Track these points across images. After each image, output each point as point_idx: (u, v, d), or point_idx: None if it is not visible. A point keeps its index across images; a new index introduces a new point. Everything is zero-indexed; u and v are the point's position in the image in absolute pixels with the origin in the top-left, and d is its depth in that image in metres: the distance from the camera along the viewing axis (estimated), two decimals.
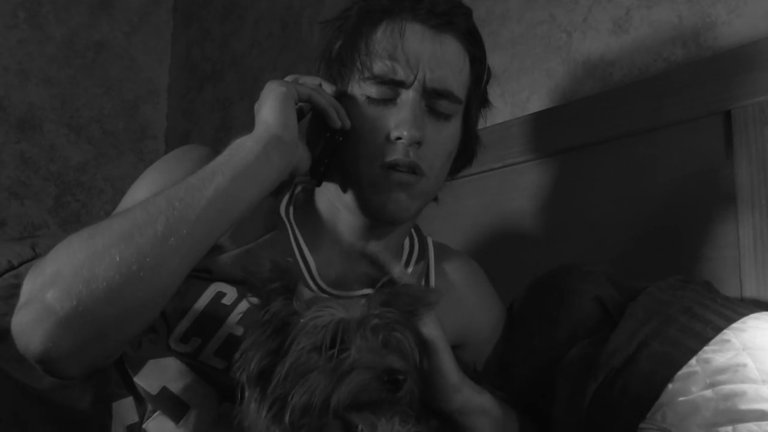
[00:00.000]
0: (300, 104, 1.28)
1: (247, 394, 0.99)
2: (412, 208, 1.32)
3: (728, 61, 1.46)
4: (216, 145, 1.28)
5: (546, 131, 1.78)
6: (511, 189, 1.83)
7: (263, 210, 1.33)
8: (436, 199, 1.44)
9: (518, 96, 1.90)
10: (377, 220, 1.32)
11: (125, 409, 1.19)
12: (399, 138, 1.26)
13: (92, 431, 1.13)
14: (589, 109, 1.70)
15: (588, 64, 1.77)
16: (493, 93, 1.89)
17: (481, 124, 1.85)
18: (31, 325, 1.05)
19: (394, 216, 1.30)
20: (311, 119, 1.31)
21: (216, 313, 1.22)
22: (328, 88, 1.32)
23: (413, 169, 1.27)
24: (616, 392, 1.08)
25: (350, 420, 0.95)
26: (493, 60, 1.89)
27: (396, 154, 1.26)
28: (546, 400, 1.18)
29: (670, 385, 1.04)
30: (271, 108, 1.23)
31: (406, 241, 1.45)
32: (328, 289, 1.32)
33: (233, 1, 3.21)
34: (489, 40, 1.90)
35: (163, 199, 1.11)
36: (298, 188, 1.43)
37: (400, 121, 1.27)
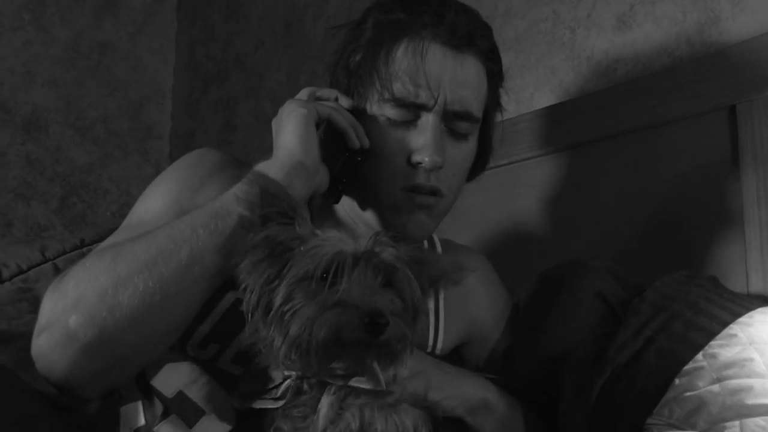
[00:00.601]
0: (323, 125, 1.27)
1: (251, 320, 0.96)
2: (432, 226, 1.33)
3: (733, 57, 1.46)
4: (221, 145, 1.29)
5: (551, 128, 1.78)
6: (517, 185, 1.84)
7: None
8: None
9: (523, 93, 1.90)
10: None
11: (132, 412, 1.18)
12: (420, 163, 1.26)
13: None
14: (594, 105, 1.70)
15: (592, 60, 1.77)
16: None
17: None
18: (54, 349, 1.06)
19: (415, 236, 1.30)
20: (327, 135, 1.27)
21: (234, 320, 1.19)
22: (345, 102, 1.31)
23: (434, 192, 1.28)
24: (622, 388, 1.08)
25: (330, 357, 0.91)
26: None
27: (418, 179, 1.26)
28: (551, 396, 1.19)
29: (676, 380, 1.04)
30: (293, 133, 1.21)
31: None
32: None
33: (237, 1, 3.22)
34: None
35: (187, 227, 1.11)
36: (313, 202, 1.42)
37: (421, 146, 1.26)
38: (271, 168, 1.16)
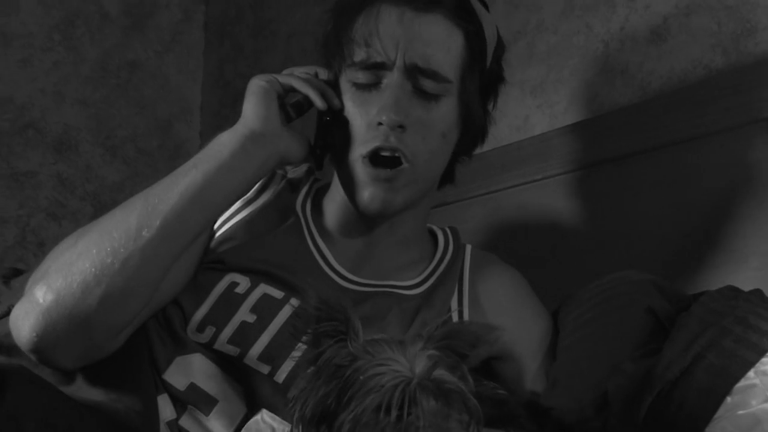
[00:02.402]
0: (298, 97, 1.34)
1: None
2: (395, 199, 1.32)
3: None
4: None
5: (586, 142, 1.77)
6: (552, 201, 1.83)
7: (278, 204, 1.40)
8: (452, 181, 1.46)
9: (556, 107, 1.89)
10: (363, 213, 1.33)
11: (163, 405, 1.21)
12: (380, 123, 1.28)
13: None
14: (629, 119, 1.69)
15: (626, 73, 1.76)
16: (531, 104, 1.91)
17: (520, 135, 1.87)
18: (21, 317, 1.15)
19: (374, 210, 1.31)
20: (296, 104, 1.36)
21: (229, 302, 1.27)
22: (323, 74, 1.37)
23: (395, 154, 1.28)
24: (672, 406, 1.06)
25: None
26: (530, 71, 1.90)
27: (377, 141, 1.28)
28: (599, 414, 1.17)
29: (728, 399, 1.02)
30: (250, 102, 1.30)
31: (441, 240, 1.44)
32: (347, 275, 1.35)
33: (265, 18, 3.22)
34: (525, 52, 1.92)
35: (140, 197, 1.22)
36: (316, 184, 1.47)
37: (381, 106, 1.28)
38: (224, 136, 1.27)
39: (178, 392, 1.22)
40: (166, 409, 1.21)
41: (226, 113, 3.40)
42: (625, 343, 1.22)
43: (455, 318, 1.33)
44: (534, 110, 1.93)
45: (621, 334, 1.24)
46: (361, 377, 0.93)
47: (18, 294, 1.24)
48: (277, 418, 1.10)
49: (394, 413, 0.91)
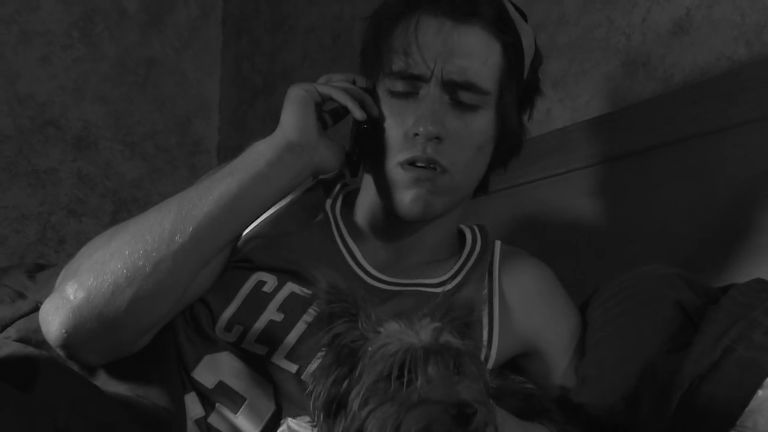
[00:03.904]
0: (335, 105, 1.34)
1: (318, 426, 0.98)
2: (436, 204, 1.32)
3: None
4: None
5: (608, 135, 1.76)
6: (575, 194, 1.82)
7: (306, 202, 1.41)
8: (486, 192, 1.46)
9: (578, 100, 1.89)
10: (403, 217, 1.33)
11: (191, 403, 1.22)
12: (417, 134, 1.28)
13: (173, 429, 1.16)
14: (652, 112, 1.68)
15: (648, 66, 1.75)
16: (552, 98, 1.90)
17: (542, 129, 1.86)
18: (51, 312, 1.16)
19: (415, 213, 1.31)
20: (334, 113, 1.37)
21: (257, 301, 1.27)
22: (361, 82, 1.37)
23: (431, 165, 1.29)
24: (703, 399, 1.06)
25: None
26: (551, 64, 1.89)
27: (414, 151, 1.29)
28: (630, 408, 1.17)
29: (759, 392, 1.02)
30: (288, 112, 1.29)
31: (469, 238, 1.44)
32: (376, 274, 1.35)
33: (283, 13, 3.23)
34: (546, 45, 1.90)
35: (175, 201, 1.22)
36: (348, 187, 1.48)
37: (418, 117, 1.28)
38: (261, 145, 1.28)
39: (207, 390, 1.22)
40: (194, 407, 1.21)
41: (245, 109, 3.41)
42: (655, 337, 1.22)
43: (485, 313, 1.33)
44: (555, 103, 1.92)
45: (650, 328, 1.24)
46: (370, 348, 0.95)
47: (44, 289, 1.26)
48: (303, 423, 1.10)
49: (395, 377, 0.92)
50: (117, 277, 1.15)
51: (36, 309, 1.22)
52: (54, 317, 1.16)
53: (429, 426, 0.89)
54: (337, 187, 1.47)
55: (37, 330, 1.19)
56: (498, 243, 1.45)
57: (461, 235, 1.46)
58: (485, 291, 1.36)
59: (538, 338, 1.38)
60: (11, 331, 1.21)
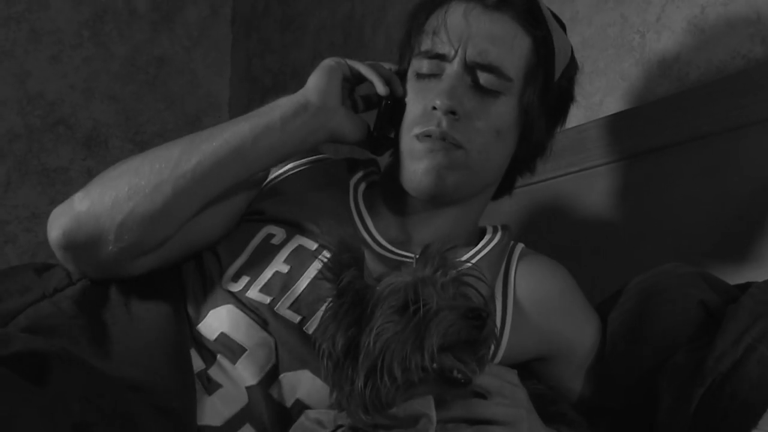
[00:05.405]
0: (369, 92, 1.40)
1: (336, 374, 1.01)
2: (448, 178, 1.33)
3: None
4: None
5: (623, 133, 1.76)
6: (589, 193, 1.82)
7: (331, 172, 1.45)
8: (510, 193, 1.48)
9: (592, 99, 1.88)
10: (414, 191, 1.35)
11: (193, 358, 1.24)
12: (434, 108, 1.31)
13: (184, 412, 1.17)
14: (667, 110, 1.67)
15: (663, 64, 1.75)
16: None
17: None
18: (57, 216, 1.28)
19: (425, 185, 1.33)
20: (365, 94, 1.42)
21: (265, 253, 1.31)
22: (393, 66, 1.42)
23: (445, 138, 1.31)
24: (724, 398, 1.06)
25: (445, 363, 0.96)
26: None
27: (430, 124, 1.31)
28: (650, 407, 1.16)
29: None
30: (314, 76, 1.36)
31: (489, 234, 1.44)
32: (389, 246, 1.36)
33: (293, 12, 3.23)
34: None
35: (191, 135, 1.32)
36: (375, 175, 1.51)
37: (437, 92, 1.31)
38: (282, 99, 1.35)
39: (209, 342, 1.24)
40: (195, 361, 1.23)
41: (254, 108, 3.40)
42: (677, 336, 1.21)
43: (498, 308, 1.32)
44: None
45: (672, 327, 1.23)
46: (378, 288, 1.00)
47: (48, 284, 1.31)
48: (322, 411, 1.10)
49: (412, 301, 0.97)
50: (119, 191, 1.24)
51: (43, 297, 1.27)
52: (57, 220, 1.27)
53: (448, 332, 0.95)
54: (367, 170, 1.50)
55: (47, 316, 1.22)
56: (520, 245, 1.44)
57: (482, 234, 1.46)
58: (500, 284, 1.35)
59: (558, 342, 1.37)
60: (21, 319, 1.22)
